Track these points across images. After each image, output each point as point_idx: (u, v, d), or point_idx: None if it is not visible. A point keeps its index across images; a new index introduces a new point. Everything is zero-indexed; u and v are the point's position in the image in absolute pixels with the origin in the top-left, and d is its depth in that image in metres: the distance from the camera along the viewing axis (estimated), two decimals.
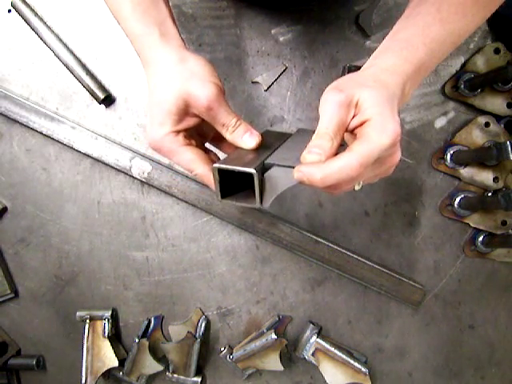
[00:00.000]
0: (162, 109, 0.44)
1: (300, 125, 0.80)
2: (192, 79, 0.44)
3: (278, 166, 0.42)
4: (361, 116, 0.40)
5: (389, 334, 0.83)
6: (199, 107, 0.44)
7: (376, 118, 0.38)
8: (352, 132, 0.41)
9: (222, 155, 0.51)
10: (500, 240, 0.79)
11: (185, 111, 0.45)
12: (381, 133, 0.38)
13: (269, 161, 0.43)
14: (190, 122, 0.46)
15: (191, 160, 0.46)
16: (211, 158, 0.51)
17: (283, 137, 0.50)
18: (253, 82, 0.79)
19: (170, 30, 0.48)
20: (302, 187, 0.47)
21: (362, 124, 0.40)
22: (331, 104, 0.39)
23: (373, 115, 0.39)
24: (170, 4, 0.52)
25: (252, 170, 0.41)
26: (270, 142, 0.48)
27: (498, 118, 0.78)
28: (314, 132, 0.40)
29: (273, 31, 0.79)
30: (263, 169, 0.42)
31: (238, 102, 0.79)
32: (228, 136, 0.47)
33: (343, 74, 0.75)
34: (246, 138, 0.46)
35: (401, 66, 0.42)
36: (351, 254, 0.79)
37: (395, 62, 0.42)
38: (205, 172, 0.47)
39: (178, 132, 0.45)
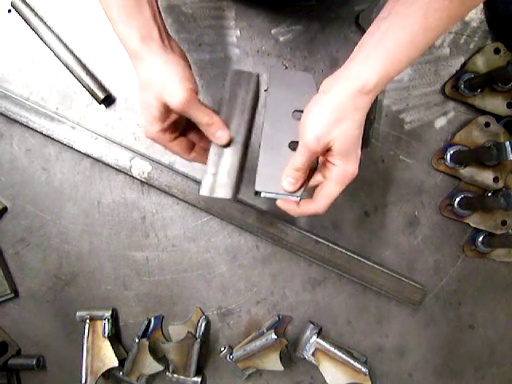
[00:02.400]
0: (148, 112, 0.50)
1: None
2: (168, 85, 0.48)
3: (265, 194, 0.53)
4: (331, 157, 0.49)
5: (389, 333, 0.83)
6: (175, 110, 0.49)
7: (340, 166, 0.49)
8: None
9: None
10: (500, 240, 0.79)
11: (167, 112, 0.50)
12: (341, 180, 0.50)
13: (256, 187, 0.52)
14: (173, 117, 0.52)
15: (179, 151, 0.55)
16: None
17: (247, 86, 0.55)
18: None
19: (151, 33, 0.51)
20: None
21: (330, 161, 0.50)
22: (308, 150, 0.48)
23: (340, 164, 0.49)
24: (162, 4, 0.53)
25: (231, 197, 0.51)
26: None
27: (498, 118, 0.78)
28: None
29: (273, 31, 0.79)
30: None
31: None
32: (204, 132, 0.52)
33: None
34: (219, 135, 0.51)
35: (381, 81, 0.46)
36: (351, 254, 0.79)
37: (377, 77, 0.45)
38: (193, 158, 0.56)
39: (165, 130, 0.52)
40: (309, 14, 0.78)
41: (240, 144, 0.52)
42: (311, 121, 0.47)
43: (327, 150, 0.49)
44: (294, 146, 0.52)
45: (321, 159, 0.53)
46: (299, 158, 0.49)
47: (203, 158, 0.53)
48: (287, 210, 0.54)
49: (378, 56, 0.45)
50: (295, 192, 0.52)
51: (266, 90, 0.57)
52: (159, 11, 0.53)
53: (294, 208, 0.53)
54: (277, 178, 0.52)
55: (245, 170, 0.58)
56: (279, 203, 0.54)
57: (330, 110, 0.46)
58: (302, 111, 0.51)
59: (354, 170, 0.50)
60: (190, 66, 0.54)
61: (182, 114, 0.50)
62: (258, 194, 0.53)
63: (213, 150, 0.52)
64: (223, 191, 0.50)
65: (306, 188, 0.53)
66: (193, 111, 0.49)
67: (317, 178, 0.53)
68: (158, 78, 0.49)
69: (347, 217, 0.81)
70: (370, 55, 0.45)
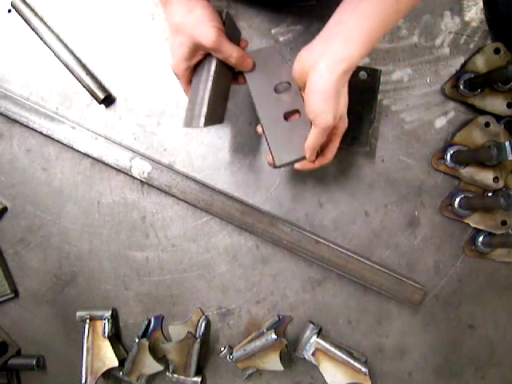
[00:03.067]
0: (180, 51, 0.57)
1: None
2: (198, 26, 0.54)
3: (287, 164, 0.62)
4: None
5: (389, 333, 0.83)
6: (207, 48, 0.56)
7: (340, 128, 0.60)
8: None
9: None
10: (500, 240, 0.79)
11: (196, 51, 0.57)
12: (340, 135, 0.62)
13: (277, 163, 0.61)
14: (198, 58, 0.59)
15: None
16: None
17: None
18: None
19: None
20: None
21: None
22: (327, 129, 0.56)
23: (339, 126, 0.60)
24: None
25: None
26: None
27: (498, 117, 0.78)
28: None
29: (273, 31, 0.79)
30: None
31: (238, 100, 0.79)
32: (233, 64, 0.59)
33: None
34: (246, 64, 0.60)
35: (360, 60, 0.53)
36: (351, 254, 0.79)
37: (359, 58, 0.52)
38: None
39: (190, 68, 0.60)
40: (309, 14, 0.78)
41: (208, 81, 0.59)
42: (321, 104, 0.54)
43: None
44: (287, 115, 0.61)
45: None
46: (319, 137, 0.57)
47: None
48: (306, 168, 0.64)
49: (358, 38, 0.50)
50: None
51: (242, 73, 0.62)
52: None
53: (310, 166, 0.63)
54: (287, 149, 0.61)
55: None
56: (298, 166, 0.64)
57: (334, 89, 0.52)
58: (282, 83, 0.60)
59: (346, 125, 0.61)
60: (213, 7, 0.58)
61: (213, 50, 0.56)
62: (277, 167, 0.62)
63: (190, 91, 0.61)
64: (195, 122, 0.58)
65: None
66: (223, 47, 0.56)
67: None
68: (190, 21, 0.54)
69: (347, 217, 0.81)
70: (350, 36, 0.50)
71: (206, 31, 0.54)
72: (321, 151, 0.63)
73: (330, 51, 0.51)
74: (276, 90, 0.61)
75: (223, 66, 0.60)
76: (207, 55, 0.59)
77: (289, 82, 0.61)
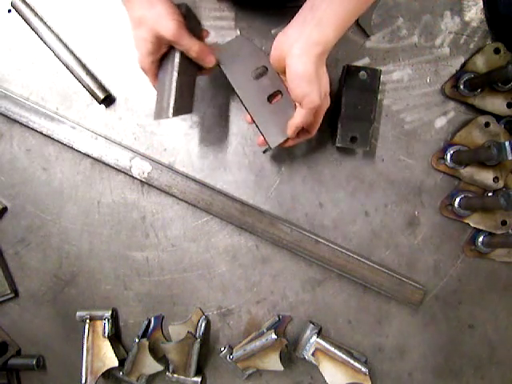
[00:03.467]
0: (144, 46, 0.58)
1: None
2: (159, 20, 0.56)
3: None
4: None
5: (389, 333, 0.83)
6: (168, 40, 0.57)
7: (323, 106, 0.62)
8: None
9: None
10: (500, 240, 0.79)
11: (159, 44, 0.58)
12: (323, 113, 0.65)
13: (272, 145, 0.66)
14: (163, 50, 0.60)
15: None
16: None
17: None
18: None
19: None
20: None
21: None
22: (314, 108, 0.59)
23: (323, 104, 0.61)
24: None
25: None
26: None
27: (498, 117, 0.78)
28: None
29: (273, 31, 0.79)
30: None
31: (238, 101, 0.79)
32: (194, 58, 0.61)
33: (343, 73, 0.75)
34: (208, 60, 0.62)
35: (334, 42, 0.55)
36: (351, 254, 0.79)
37: (334, 41, 0.55)
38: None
39: (156, 62, 0.61)
40: None
41: (173, 73, 0.61)
42: (305, 86, 0.56)
43: None
44: (270, 98, 0.64)
45: None
46: (306, 117, 0.60)
47: None
48: (290, 145, 0.68)
49: (331, 22, 0.53)
50: None
51: (219, 66, 0.64)
52: None
53: (295, 141, 0.68)
54: (277, 130, 0.65)
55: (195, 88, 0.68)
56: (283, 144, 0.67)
57: (314, 71, 0.55)
58: (259, 68, 0.63)
59: (329, 103, 0.63)
60: (172, 2, 0.60)
61: (174, 43, 0.57)
62: (270, 149, 0.66)
63: (158, 84, 0.63)
64: (165, 113, 0.60)
65: None
66: (183, 40, 0.57)
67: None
68: (151, 14, 0.56)
69: (347, 217, 0.81)
70: (324, 20, 0.53)
71: (167, 24, 0.55)
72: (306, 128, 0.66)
73: (305, 35, 0.54)
74: (255, 77, 0.64)
75: (187, 57, 0.61)
76: (171, 48, 0.60)
77: (265, 66, 0.63)
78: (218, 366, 0.83)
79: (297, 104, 0.61)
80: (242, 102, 0.64)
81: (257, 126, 0.64)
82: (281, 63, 0.59)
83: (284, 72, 0.59)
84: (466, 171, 0.79)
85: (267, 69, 0.64)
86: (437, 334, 0.84)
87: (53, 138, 0.77)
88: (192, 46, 0.59)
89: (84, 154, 0.78)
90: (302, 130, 0.67)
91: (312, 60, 0.54)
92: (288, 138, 0.66)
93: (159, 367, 0.80)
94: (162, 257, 0.82)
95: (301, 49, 0.54)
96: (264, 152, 0.73)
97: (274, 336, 0.76)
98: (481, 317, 0.84)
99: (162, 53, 0.60)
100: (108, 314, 0.80)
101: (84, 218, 0.81)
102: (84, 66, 0.78)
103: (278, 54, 0.59)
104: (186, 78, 0.63)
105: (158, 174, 0.77)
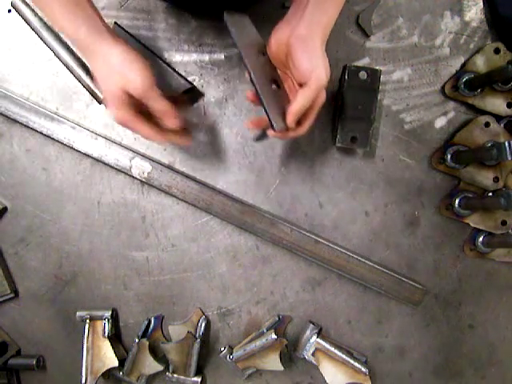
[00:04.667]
0: (113, 101, 0.56)
1: None
2: (128, 75, 0.53)
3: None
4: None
5: (389, 333, 0.83)
6: (136, 95, 0.54)
7: (321, 97, 0.60)
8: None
9: None
10: (500, 240, 0.79)
11: (125, 97, 0.55)
12: (318, 107, 0.61)
13: (276, 128, 0.60)
14: (130, 103, 0.57)
15: (150, 134, 0.60)
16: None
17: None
18: None
19: (98, 25, 0.55)
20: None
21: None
22: (319, 88, 0.56)
23: (321, 96, 0.59)
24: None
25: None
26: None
27: (498, 117, 0.78)
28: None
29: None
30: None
31: (238, 101, 0.79)
32: (159, 118, 0.59)
33: (343, 73, 0.75)
34: (172, 122, 0.60)
35: (333, 22, 0.57)
36: (351, 254, 0.79)
37: (330, 27, 0.57)
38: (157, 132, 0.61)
39: (134, 113, 0.57)
40: None
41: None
42: (316, 59, 0.55)
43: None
44: (276, 83, 0.61)
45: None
46: (308, 98, 0.57)
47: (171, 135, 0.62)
48: (281, 138, 0.65)
49: (330, 5, 0.55)
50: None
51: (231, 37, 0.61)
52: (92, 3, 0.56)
53: (285, 135, 0.63)
54: (281, 114, 0.60)
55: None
56: (272, 134, 0.63)
57: (321, 46, 0.55)
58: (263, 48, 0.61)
59: (324, 91, 0.60)
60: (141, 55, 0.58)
61: (142, 99, 0.55)
62: (260, 138, 0.63)
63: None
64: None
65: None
66: (151, 98, 0.55)
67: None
68: (119, 69, 0.53)
69: (347, 217, 0.81)
70: (315, 16, 0.55)
71: (136, 79, 0.54)
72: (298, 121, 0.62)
73: (307, 17, 0.54)
74: (263, 55, 0.61)
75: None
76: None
77: (263, 52, 0.61)
78: (218, 366, 0.83)
79: (299, 88, 0.58)
80: (250, 75, 0.59)
81: (262, 103, 0.59)
82: (280, 49, 0.58)
83: (282, 61, 0.59)
84: (466, 171, 0.79)
85: (264, 56, 0.61)
86: (437, 333, 0.84)
87: (53, 138, 0.77)
88: (158, 105, 0.57)
89: (84, 153, 0.78)
90: (295, 129, 0.63)
91: (318, 35, 0.54)
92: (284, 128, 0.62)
93: (159, 367, 0.80)
94: (161, 257, 0.81)
95: (306, 27, 0.54)
96: (256, 140, 0.67)
97: (273, 336, 0.76)
98: (481, 317, 0.84)
99: (132, 107, 0.57)
100: (108, 314, 0.80)
101: (84, 218, 0.81)
102: (84, 66, 0.77)
103: (278, 38, 0.57)
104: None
105: (158, 173, 0.77)
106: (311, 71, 0.55)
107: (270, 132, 0.62)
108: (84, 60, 0.56)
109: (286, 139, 0.65)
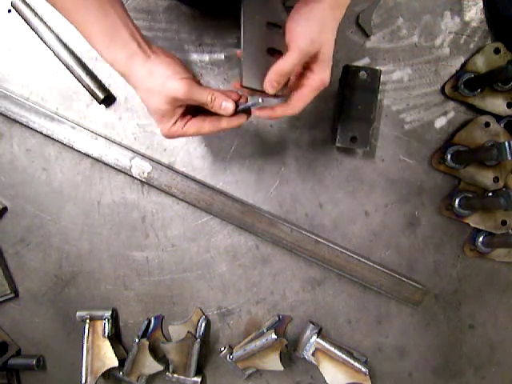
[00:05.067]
0: (159, 115, 0.57)
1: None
2: (166, 83, 0.54)
3: (253, 105, 0.58)
4: (313, 64, 0.55)
5: (389, 333, 0.83)
6: (181, 101, 0.56)
7: (319, 74, 0.55)
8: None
9: None
10: (500, 240, 0.79)
11: (174, 106, 0.56)
12: (317, 87, 0.56)
13: (244, 83, 0.59)
14: (180, 110, 0.58)
15: (196, 131, 0.60)
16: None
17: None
18: None
19: (133, 49, 0.54)
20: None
21: (309, 68, 0.56)
22: (300, 53, 0.52)
23: (319, 70, 0.55)
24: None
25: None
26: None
27: (498, 117, 0.78)
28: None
29: None
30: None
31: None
32: (210, 110, 0.58)
33: (343, 73, 0.75)
34: (224, 106, 0.57)
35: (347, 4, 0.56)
36: (351, 254, 0.79)
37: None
38: (211, 127, 0.60)
39: (175, 122, 0.58)
40: None
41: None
42: (304, 27, 0.52)
43: (311, 58, 0.54)
44: (271, 52, 0.59)
45: (297, 71, 0.58)
46: (287, 63, 0.53)
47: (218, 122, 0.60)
48: (265, 116, 0.59)
49: None
50: (275, 95, 0.58)
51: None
52: (130, 19, 0.55)
53: (270, 113, 0.59)
54: (259, 78, 0.58)
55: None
56: (256, 113, 0.60)
57: (318, 19, 0.52)
58: (274, 24, 0.59)
59: (328, 77, 0.56)
60: (177, 58, 0.59)
61: (189, 101, 0.56)
62: (243, 109, 0.59)
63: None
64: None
65: (283, 94, 0.59)
66: (195, 95, 0.55)
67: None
68: (156, 83, 0.54)
69: (347, 217, 0.81)
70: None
71: (174, 85, 0.54)
72: (289, 99, 0.59)
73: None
74: (267, 27, 0.59)
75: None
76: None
77: (279, 24, 0.60)
78: (218, 366, 0.83)
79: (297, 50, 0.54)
80: (242, 37, 0.58)
81: (241, 61, 0.59)
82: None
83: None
84: (466, 171, 0.79)
85: (280, 28, 0.60)
86: (437, 333, 0.84)
87: (53, 138, 0.77)
88: (204, 99, 0.56)
89: (84, 153, 0.78)
90: (283, 106, 0.59)
91: (335, 14, 0.53)
92: (262, 92, 0.58)
93: (159, 367, 0.80)
94: (162, 257, 0.82)
95: (324, 6, 0.52)
96: (236, 109, 0.60)
97: (274, 336, 0.76)
98: (481, 317, 0.84)
99: (179, 114, 0.58)
100: (108, 314, 0.80)
101: (84, 218, 0.81)
102: (84, 66, 0.77)
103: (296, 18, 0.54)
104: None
105: (158, 173, 0.77)
106: (306, 37, 0.52)
107: (256, 112, 0.60)
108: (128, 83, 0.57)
109: (272, 118, 0.61)
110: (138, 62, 0.54)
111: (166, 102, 0.55)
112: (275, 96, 0.59)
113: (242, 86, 0.59)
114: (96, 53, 0.78)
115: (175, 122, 0.58)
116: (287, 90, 0.59)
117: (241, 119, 0.61)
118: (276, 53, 0.60)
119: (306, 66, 0.57)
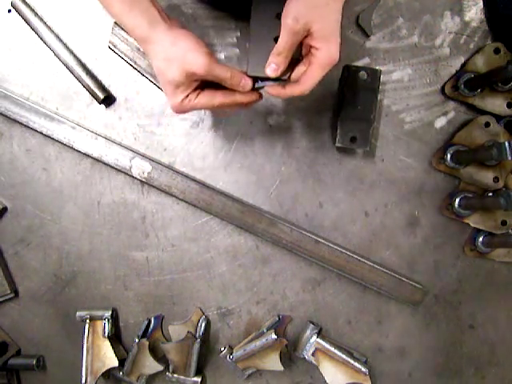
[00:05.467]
0: (173, 86, 0.56)
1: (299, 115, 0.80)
2: (187, 55, 0.54)
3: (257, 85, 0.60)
4: (313, 41, 0.54)
5: (389, 333, 0.83)
6: (200, 74, 0.55)
7: (322, 50, 0.54)
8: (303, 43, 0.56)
9: None
10: (500, 240, 0.79)
11: (190, 80, 0.56)
12: (324, 63, 0.54)
13: (249, 72, 0.60)
14: (196, 84, 0.57)
15: (207, 101, 0.59)
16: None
17: None
18: None
19: (155, 17, 0.55)
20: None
21: (312, 46, 0.54)
22: (289, 31, 0.52)
23: (322, 46, 0.53)
24: (162, 4, 0.58)
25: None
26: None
27: (498, 117, 0.78)
28: None
29: None
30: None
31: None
32: (229, 86, 0.58)
33: (343, 73, 0.75)
34: (242, 83, 0.58)
35: None
36: (351, 254, 0.79)
37: None
38: (223, 98, 0.60)
39: (187, 95, 0.58)
40: None
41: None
42: (290, 6, 0.52)
43: (308, 35, 0.54)
44: (277, 41, 0.57)
45: (304, 51, 0.57)
46: (280, 42, 0.54)
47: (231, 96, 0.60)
48: (276, 94, 0.59)
49: None
50: (280, 77, 0.58)
51: None
52: None
53: (280, 91, 0.59)
54: (264, 66, 0.58)
55: None
56: (268, 90, 0.60)
57: (340, 10, 0.52)
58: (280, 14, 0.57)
59: (335, 53, 0.54)
60: (193, 34, 0.58)
61: (207, 76, 0.55)
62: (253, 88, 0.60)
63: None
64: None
65: (291, 76, 0.59)
66: (216, 71, 0.55)
67: (301, 68, 0.58)
68: (177, 54, 0.54)
69: (347, 217, 0.81)
70: None
71: (196, 58, 0.54)
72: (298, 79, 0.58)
73: None
74: (277, 17, 0.58)
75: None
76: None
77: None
78: (218, 366, 0.83)
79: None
80: (250, 27, 0.60)
81: (248, 50, 0.60)
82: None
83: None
84: (466, 171, 0.79)
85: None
86: (437, 333, 0.84)
87: (53, 138, 0.77)
88: (225, 75, 0.56)
89: (84, 153, 0.78)
90: (292, 85, 0.58)
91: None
92: (269, 79, 0.58)
93: (159, 367, 0.80)
94: (162, 257, 0.82)
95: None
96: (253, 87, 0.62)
97: (274, 336, 0.76)
98: (481, 317, 0.84)
99: (192, 88, 0.58)
100: (108, 314, 0.80)
101: (84, 218, 0.81)
102: (84, 66, 0.78)
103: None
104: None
105: (158, 173, 0.77)
106: (290, 15, 0.52)
107: (269, 89, 0.60)
108: (145, 54, 0.59)
109: (283, 97, 0.60)
110: (160, 30, 0.55)
111: (185, 74, 0.54)
112: (280, 80, 0.59)
113: (247, 75, 0.59)
114: (96, 53, 0.79)
115: (187, 95, 0.58)
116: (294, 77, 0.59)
117: (253, 96, 0.61)
118: None
119: (310, 45, 0.56)
